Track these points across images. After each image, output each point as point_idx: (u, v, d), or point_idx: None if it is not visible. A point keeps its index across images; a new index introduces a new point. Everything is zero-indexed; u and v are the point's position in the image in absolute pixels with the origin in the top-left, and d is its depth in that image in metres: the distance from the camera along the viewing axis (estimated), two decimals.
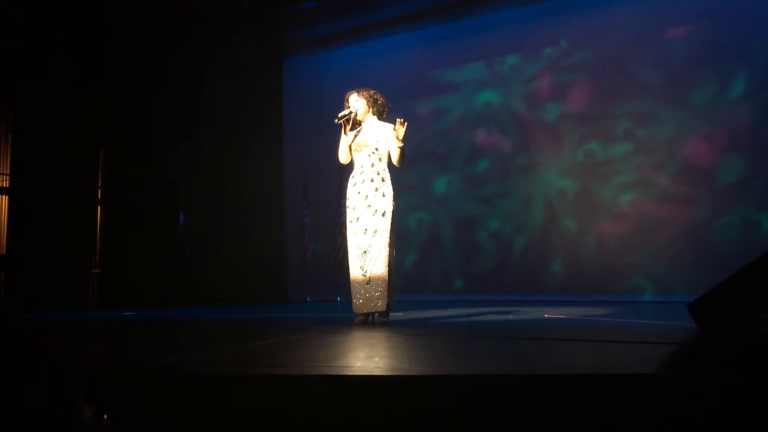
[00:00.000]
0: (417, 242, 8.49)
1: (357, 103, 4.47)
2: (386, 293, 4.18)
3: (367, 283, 4.21)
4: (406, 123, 4.28)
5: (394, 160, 4.37)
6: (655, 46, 7.29)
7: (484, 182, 8.21)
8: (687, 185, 6.96)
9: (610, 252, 7.28)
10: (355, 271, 4.28)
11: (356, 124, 4.51)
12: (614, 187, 7.39)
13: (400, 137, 4.26)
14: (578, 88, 7.74)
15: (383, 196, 4.28)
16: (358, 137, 4.45)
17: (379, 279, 4.19)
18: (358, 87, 4.58)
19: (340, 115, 4.43)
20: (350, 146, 4.45)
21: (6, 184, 7.73)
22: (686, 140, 7.02)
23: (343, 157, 4.47)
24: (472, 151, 8.36)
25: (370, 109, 4.49)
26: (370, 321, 4.27)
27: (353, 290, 4.29)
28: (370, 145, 4.37)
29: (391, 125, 4.40)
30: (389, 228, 4.24)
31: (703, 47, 7.01)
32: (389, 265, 4.20)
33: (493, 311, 5.62)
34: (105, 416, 0.76)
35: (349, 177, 4.48)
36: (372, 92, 4.52)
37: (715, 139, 6.85)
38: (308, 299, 8.69)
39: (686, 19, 7.18)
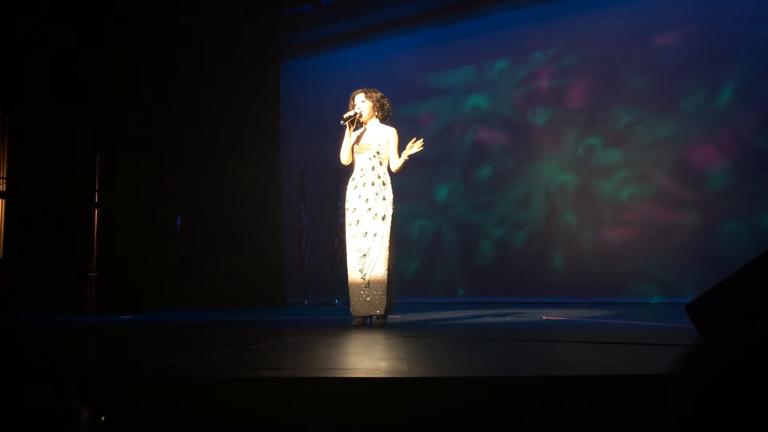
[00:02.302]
0: (419, 249, 8.48)
1: (363, 105, 4.45)
2: (385, 296, 4.18)
3: (366, 286, 4.21)
4: (423, 147, 4.29)
5: (393, 168, 4.38)
6: (643, 51, 7.31)
7: (483, 187, 8.21)
8: (692, 189, 6.94)
9: (613, 254, 7.27)
10: (354, 274, 4.28)
11: (359, 124, 4.50)
12: (615, 191, 7.39)
13: (410, 154, 4.27)
14: (574, 90, 7.76)
15: (384, 199, 4.28)
16: (360, 139, 4.43)
17: (378, 282, 4.19)
18: (355, 89, 4.57)
19: (345, 116, 4.40)
20: (352, 147, 4.44)
21: (3, 187, 7.72)
22: (693, 143, 6.99)
23: (345, 158, 4.45)
24: (468, 155, 8.37)
25: (375, 113, 4.47)
26: (368, 323, 4.27)
27: (351, 293, 4.28)
28: (372, 149, 4.37)
29: (394, 129, 4.41)
30: (389, 232, 4.24)
31: (693, 52, 7.02)
32: (389, 269, 4.20)
33: (492, 313, 5.62)
34: (102, 418, 0.76)
35: (348, 179, 4.47)
36: (379, 95, 4.49)
37: (722, 144, 6.83)
38: (306, 302, 8.69)
39: (675, 24, 7.20)
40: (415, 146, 4.27)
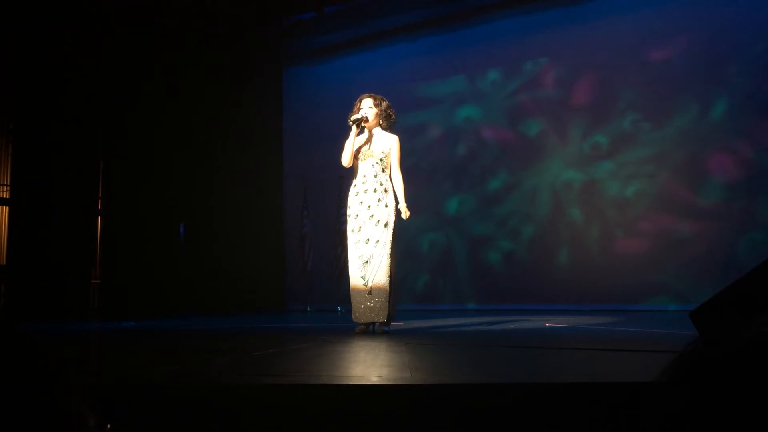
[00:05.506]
0: (428, 262, 8.47)
1: (370, 111, 4.47)
2: (387, 303, 4.18)
3: (369, 293, 4.21)
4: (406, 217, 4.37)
5: (393, 180, 4.41)
6: (637, 62, 7.33)
7: (489, 195, 8.19)
8: (709, 198, 6.86)
9: (626, 263, 7.18)
10: (356, 281, 4.28)
11: (362, 128, 4.51)
12: (626, 199, 7.35)
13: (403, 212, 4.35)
14: (575, 96, 7.77)
15: (386, 206, 4.30)
16: (363, 146, 4.45)
17: (380, 289, 4.19)
18: (359, 96, 4.58)
19: (353, 119, 4.41)
20: (355, 152, 4.45)
21: (6, 195, 7.74)
22: (711, 152, 6.94)
23: (347, 160, 4.45)
24: (471, 164, 8.36)
25: (380, 121, 4.50)
26: (371, 330, 4.27)
27: (354, 299, 4.28)
28: (375, 156, 4.39)
29: (397, 137, 4.45)
30: (391, 238, 4.25)
31: (691, 60, 7.03)
32: (390, 276, 4.21)
33: (496, 321, 5.61)
34: (108, 426, 0.76)
35: (350, 185, 4.49)
36: (386, 105, 4.52)
37: (739, 152, 6.78)
38: (308, 309, 8.68)
39: (669, 36, 7.20)
40: (406, 212, 4.34)
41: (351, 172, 4.54)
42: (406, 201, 4.38)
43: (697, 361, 0.57)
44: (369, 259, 4.24)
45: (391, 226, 4.27)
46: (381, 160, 4.39)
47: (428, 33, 8.80)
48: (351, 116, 4.43)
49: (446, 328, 4.83)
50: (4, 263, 7.55)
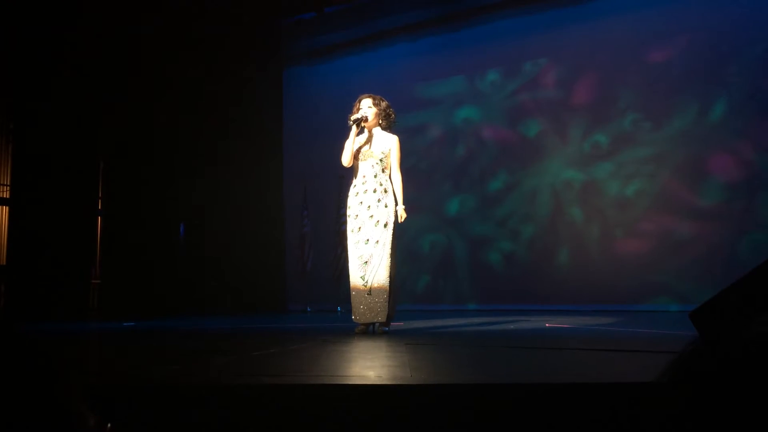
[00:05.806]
0: (429, 263, 8.46)
1: (369, 110, 4.47)
2: (387, 304, 4.18)
3: (368, 294, 4.21)
4: (402, 219, 4.36)
5: (393, 180, 4.41)
6: (637, 62, 7.32)
7: (489, 196, 8.19)
8: (712, 199, 6.84)
9: (627, 264, 7.15)
10: (356, 281, 4.28)
11: (362, 128, 4.51)
12: (629, 204, 7.34)
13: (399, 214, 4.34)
14: (576, 97, 7.77)
15: (386, 206, 4.30)
16: (363, 146, 4.45)
17: (380, 289, 4.19)
18: (358, 96, 4.58)
19: (353, 119, 4.41)
20: (355, 152, 4.45)
21: (6, 194, 7.74)
22: (707, 154, 6.93)
23: (347, 160, 4.44)
24: (471, 165, 8.36)
25: (380, 121, 4.49)
26: (370, 330, 4.27)
27: (354, 300, 4.28)
28: (375, 156, 4.39)
29: (396, 138, 4.45)
30: (391, 239, 4.25)
31: (691, 60, 7.03)
32: (390, 276, 4.21)
33: (496, 321, 5.60)
34: (109, 425, 0.76)
35: (350, 185, 4.48)
36: (386, 105, 4.52)
37: (739, 153, 6.77)
38: (308, 309, 8.68)
39: (669, 36, 7.19)
40: (400, 215, 4.33)
41: (351, 172, 4.53)
42: (406, 202, 4.38)
43: (697, 361, 0.57)
44: (369, 259, 4.24)
45: (390, 226, 4.27)
46: (381, 160, 4.39)
47: (428, 33, 8.79)
48: (351, 116, 4.44)
49: (446, 329, 4.83)
50: (4, 263, 7.55)
